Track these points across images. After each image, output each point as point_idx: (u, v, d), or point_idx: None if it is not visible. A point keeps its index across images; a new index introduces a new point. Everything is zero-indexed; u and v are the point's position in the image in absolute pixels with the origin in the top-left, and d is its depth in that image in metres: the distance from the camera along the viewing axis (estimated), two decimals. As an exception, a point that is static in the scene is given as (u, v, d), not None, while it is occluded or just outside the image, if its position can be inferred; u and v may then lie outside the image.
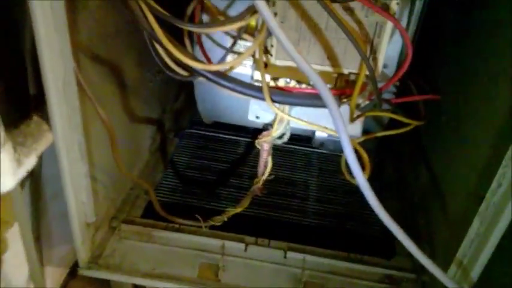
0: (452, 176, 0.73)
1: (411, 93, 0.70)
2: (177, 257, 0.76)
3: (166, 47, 0.49)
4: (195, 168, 0.98)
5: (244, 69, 0.65)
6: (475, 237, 0.61)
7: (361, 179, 0.49)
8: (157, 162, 0.99)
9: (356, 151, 0.52)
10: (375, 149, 0.98)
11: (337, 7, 0.54)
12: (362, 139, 0.68)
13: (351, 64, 0.58)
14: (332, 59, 0.56)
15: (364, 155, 0.61)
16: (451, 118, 0.74)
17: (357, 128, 0.67)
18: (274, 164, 0.73)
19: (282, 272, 0.76)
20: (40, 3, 0.47)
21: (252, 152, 1.01)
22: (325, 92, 0.45)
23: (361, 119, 0.65)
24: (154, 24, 0.49)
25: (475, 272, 0.62)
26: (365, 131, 0.77)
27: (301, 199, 0.91)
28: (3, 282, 0.65)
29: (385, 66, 0.71)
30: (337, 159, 0.71)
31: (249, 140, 1.06)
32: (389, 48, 0.69)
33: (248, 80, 0.58)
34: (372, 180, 0.53)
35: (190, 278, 0.73)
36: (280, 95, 0.55)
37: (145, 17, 0.49)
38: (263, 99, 0.54)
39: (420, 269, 0.76)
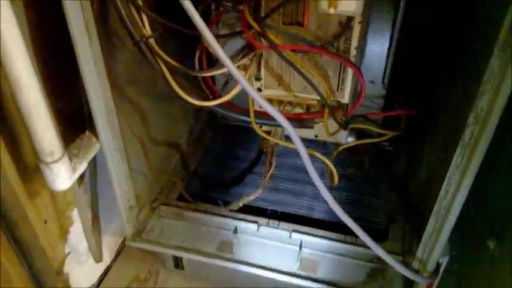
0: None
1: (394, 108, 0.82)
2: (202, 234, 0.95)
3: (173, 88, 0.66)
4: (225, 157, 1.15)
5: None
6: (432, 232, 0.74)
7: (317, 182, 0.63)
8: (193, 152, 1.18)
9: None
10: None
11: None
12: (345, 146, 0.82)
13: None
14: (309, 88, 0.69)
15: (332, 168, 0.74)
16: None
17: (342, 136, 0.80)
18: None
19: (285, 250, 0.92)
20: (82, 49, 0.64)
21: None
22: (276, 114, 0.59)
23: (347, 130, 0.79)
24: (167, 74, 0.66)
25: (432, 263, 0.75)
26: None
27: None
28: (70, 248, 0.88)
29: (372, 81, 0.84)
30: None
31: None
32: (375, 67, 0.82)
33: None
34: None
35: (210, 252, 0.91)
36: (261, 118, 0.71)
37: (160, 67, 0.66)
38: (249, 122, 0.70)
39: (407, 252, 0.89)
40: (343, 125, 0.74)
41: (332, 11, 0.55)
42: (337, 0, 0.55)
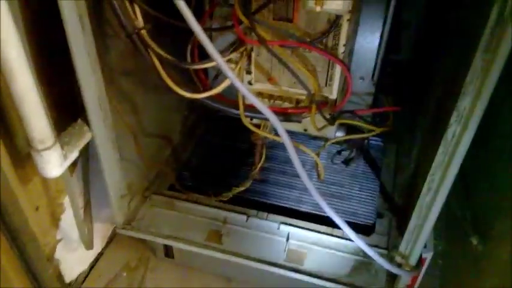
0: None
1: (382, 105, 0.83)
2: (192, 223, 0.96)
3: (164, 79, 0.67)
4: (218, 148, 1.17)
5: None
6: (414, 228, 0.76)
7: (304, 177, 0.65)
8: (186, 143, 1.19)
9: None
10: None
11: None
12: (333, 140, 0.84)
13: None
14: (298, 83, 0.71)
15: (319, 162, 0.76)
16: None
17: (330, 131, 0.82)
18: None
19: (273, 241, 0.94)
20: (75, 39, 0.65)
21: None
22: (263, 108, 0.60)
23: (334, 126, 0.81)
24: (158, 66, 0.67)
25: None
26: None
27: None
28: (62, 235, 0.89)
29: (361, 78, 0.85)
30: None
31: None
32: (365, 64, 0.83)
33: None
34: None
35: (199, 241, 0.93)
36: (251, 111, 0.72)
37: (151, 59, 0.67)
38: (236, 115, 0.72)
39: (393, 246, 0.91)
40: (330, 121, 0.76)
41: (318, 9, 0.56)
42: (324, -1, 0.56)
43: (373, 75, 0.84)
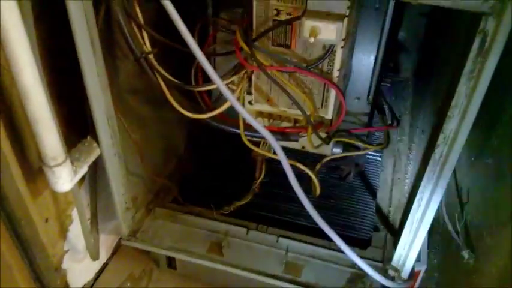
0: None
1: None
2: (194, 235, 1.00)
3: (172, 103, 0.72)
4: (221, 162, 1.20)
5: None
6: (406, 242, 0.79)
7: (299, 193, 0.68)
8: (190, 157, 1.23)
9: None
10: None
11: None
12: (330, 157, 0.87)
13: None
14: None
15: (314, 179, 0.80)
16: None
17: (327, 149, 0.86)
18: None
19: (272, 254, 0.97)
20: (86, 62, 0.70)
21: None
22: (260, 128, 0.64)
23: (330, 144, 0.85)
24: (164, 88, 0.72)
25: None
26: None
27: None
28: (69, 245, 0.93)
29: (357, 98, 0.89)
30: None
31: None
32: (361, 84, 0.87)
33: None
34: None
35: (201, 253, 0.97)
36: (250, 131, 0.76)
37: (158, 81, 0.72)
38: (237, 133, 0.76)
39: (387, 260, 0.94)
40: (326, 140, 0.80)
41: (312, 40, 0.60)
42: (318, 30, 0.60)
43: (368, 95, 0.88)
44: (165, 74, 0.72)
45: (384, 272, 0.92)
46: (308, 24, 0.61)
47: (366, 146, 0.87)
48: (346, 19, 0.63)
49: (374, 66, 0.86)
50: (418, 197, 0.72)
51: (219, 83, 0.60)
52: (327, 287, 0.90)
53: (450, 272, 0.97)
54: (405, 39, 1.32)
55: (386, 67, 1.23)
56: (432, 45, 1.17)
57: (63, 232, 0.91)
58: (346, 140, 0.86)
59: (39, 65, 0.62)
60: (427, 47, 1.26)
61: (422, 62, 1.30)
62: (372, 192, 1.12)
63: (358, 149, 0.92)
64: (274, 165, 1.11)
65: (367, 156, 1.10)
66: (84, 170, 0.78)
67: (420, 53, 1.31)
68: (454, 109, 0.62)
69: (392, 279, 0.84)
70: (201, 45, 0.85)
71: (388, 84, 1.36)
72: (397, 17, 0.84)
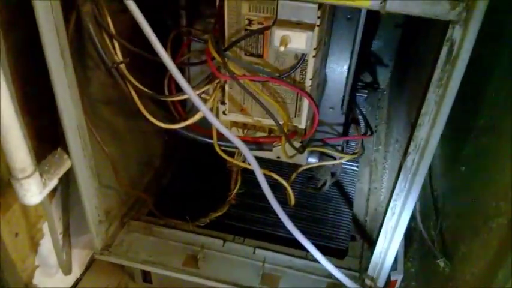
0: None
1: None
2: (169, 248, 0.99)
3: (143, 112, 0.71)
4: (197, 173, 1.19)
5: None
6: (381, 251, 0.79)
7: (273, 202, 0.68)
8: (166, 168, 1.22)
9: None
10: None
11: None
12: (305, 167, 0.88)
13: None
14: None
15: (288, 189, 0.80)
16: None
17: (302, 158, 0.86)
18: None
19: (249, 265, 0.96)
20: (56, 73, 0.69)
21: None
22: (233, 139, 0.64)
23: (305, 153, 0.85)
24: (135, 98, 0.71)
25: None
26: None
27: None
28: (40, 260, 0.90)
29: (331, 108, 0.90)
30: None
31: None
32: (334, 94, 0.88)
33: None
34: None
35: (177, 266, 0.95)
36: (224, 141, 0.76)
37: (129, 91, 0.71)
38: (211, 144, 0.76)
39: (364, 269, 0.94)
40: (300, 150, 0.80)
41: (282, 49, 0.61)
42: (289, 39, 0.60)
43: (342, 105, 0.88)
44: (137, 83, 0.71)
45: (360, 282, 0.92)
46: (278, 33, 0.62)
47: (341, 155, 0.87)
48: (316, 28, 0.64)
49: (347, 76, 0.86)
50: (391, 205, 0.72)
51: (190, 93, 0.59)
52: (304, 297, 0.89)
53: (427, 280, 0.98)
54: (381, 51, 1.35)
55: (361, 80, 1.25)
56: (406, 56, 1.19)
57: (34, 246, 0.89)
58: (321, 149, 0.86)
59: (7, 76, 0.60)
60: (402, 57, 1.29)
61: (398, 72, 1.32)
62: (349, 201, 1.12)
63: (333, 158, 0.92)
64: (249, 176, 1.11)
65: (344, 165, 1.11)
66: (54, 182, 0.76)
67: (396, 63, 1.34)
68: (424, 117, 0.62)
69: (369, 288, 0.84)
70: (175, 55, 0.86)
71: (365, 95, 1.38)
72: (370, 27, 0.86)
